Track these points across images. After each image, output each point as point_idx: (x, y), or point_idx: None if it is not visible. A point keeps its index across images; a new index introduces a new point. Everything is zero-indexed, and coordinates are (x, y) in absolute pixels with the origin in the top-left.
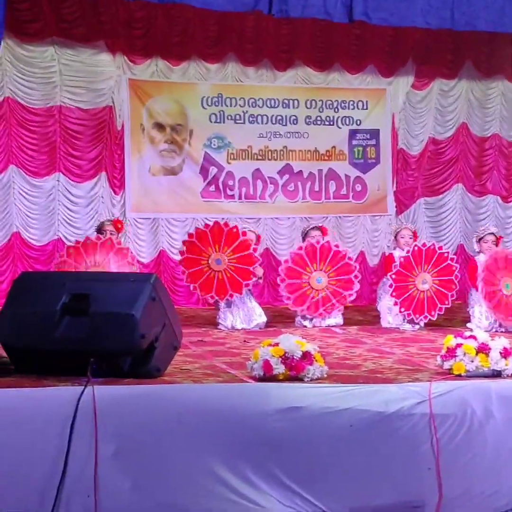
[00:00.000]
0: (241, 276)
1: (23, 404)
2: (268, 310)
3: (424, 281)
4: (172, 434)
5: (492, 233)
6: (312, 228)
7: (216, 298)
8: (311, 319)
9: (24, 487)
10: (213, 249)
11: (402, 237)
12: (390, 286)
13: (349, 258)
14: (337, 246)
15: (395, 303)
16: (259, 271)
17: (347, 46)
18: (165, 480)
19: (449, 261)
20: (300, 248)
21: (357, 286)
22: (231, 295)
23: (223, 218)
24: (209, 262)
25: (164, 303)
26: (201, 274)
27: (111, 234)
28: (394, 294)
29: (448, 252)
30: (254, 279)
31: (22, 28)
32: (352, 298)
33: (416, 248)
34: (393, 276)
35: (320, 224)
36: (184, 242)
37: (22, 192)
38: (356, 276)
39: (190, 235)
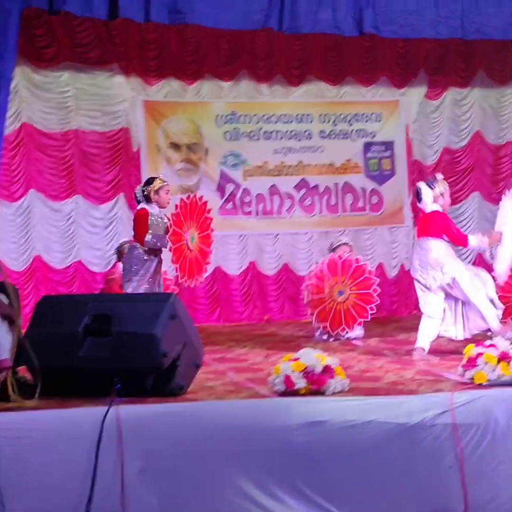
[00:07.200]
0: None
1: (50, 426)
2: (290, 325)
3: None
4: (196, 451)
5: (346, 244)
6: (342, 244)
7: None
8: (332, 334)
9: (55, 506)
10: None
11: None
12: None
13: (370, 272)
14: (357, 260)
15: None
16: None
17: (358, 59)
18: (192, 497)
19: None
20: (322, 262)
21: (377, 300)
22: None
23: (241, 235)
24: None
25: (184, 322)
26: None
27: None
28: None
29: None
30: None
31: (37, 54)
32: (372, 312)
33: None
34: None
35: (345, 241)
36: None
37: (42, 216)
38: (375, 290)
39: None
